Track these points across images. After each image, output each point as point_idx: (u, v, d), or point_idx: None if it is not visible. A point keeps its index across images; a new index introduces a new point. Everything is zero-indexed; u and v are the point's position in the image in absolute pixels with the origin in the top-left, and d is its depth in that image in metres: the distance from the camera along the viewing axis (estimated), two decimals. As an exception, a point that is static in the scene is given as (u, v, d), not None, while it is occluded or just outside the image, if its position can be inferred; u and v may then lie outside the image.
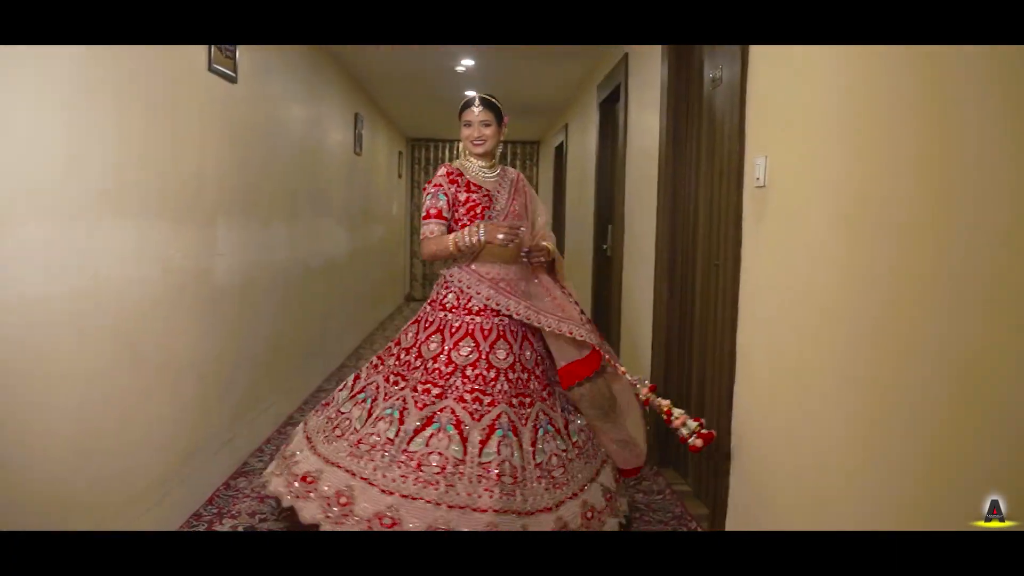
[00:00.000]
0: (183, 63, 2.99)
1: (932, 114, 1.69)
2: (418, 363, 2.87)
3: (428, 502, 2.54)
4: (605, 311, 5.51)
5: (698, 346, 3.43)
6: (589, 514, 2.77)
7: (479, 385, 2.78)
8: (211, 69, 3.23)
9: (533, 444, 2.76)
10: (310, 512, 2.63)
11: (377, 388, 2.92)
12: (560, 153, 8.48)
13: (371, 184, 7.92)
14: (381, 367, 2.99)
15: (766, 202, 2.50)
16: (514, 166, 8.52)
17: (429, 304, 3.03)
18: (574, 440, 2.90)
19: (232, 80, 3.48)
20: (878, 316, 1.85)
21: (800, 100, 2.31)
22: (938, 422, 1.65)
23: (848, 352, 1.98)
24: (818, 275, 2.13)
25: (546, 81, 6.42)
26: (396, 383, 2.87)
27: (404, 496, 2.56)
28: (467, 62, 5.97)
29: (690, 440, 2.74)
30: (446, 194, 2.97)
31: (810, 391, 2.18)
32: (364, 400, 2.92)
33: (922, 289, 1.70)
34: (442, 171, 3.01)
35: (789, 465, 2.30)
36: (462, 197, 2.98)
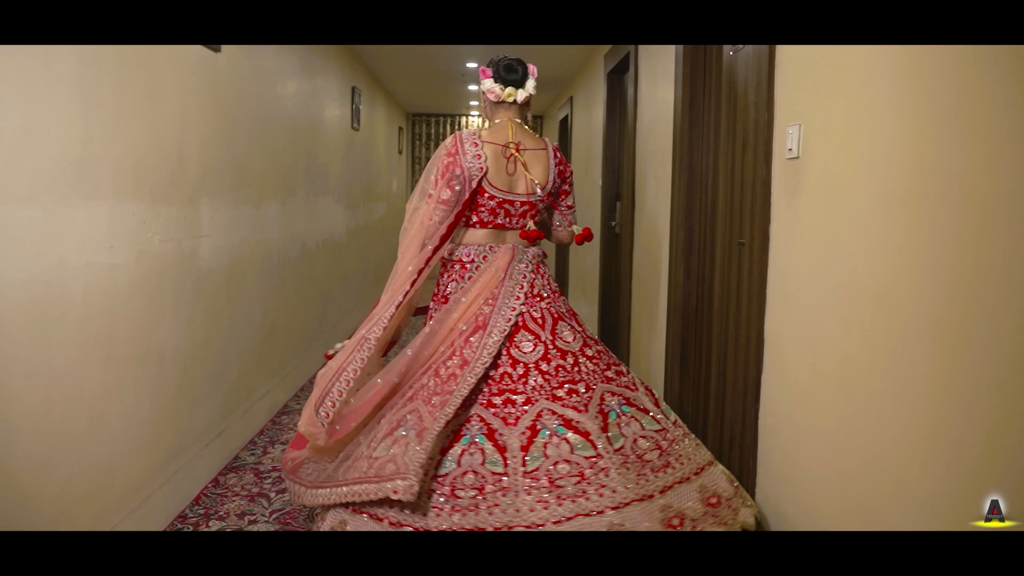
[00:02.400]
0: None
1: (1002, 73, 1.46)
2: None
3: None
4: (614, 292, 5.28)
5: (718, 332, 3.20)
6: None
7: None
8: (191, 36, 2.98)
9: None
10: None
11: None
12: (565, 127, 8.24)
13: (370, 161, 7.67)
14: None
15: (800, 175, 2.26)
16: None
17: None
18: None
19: (215, 49, 3.23)
20: (941, 305, 1.63)
21: (839, 60, 2.07)
22: (1013, 428, 1.44)
23: (905, 345, 1.75)
24: (868, 257, 1.90)
25: (550, 52, 6.16)
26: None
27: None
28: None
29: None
30: None
31: (857, 387, 1.95)
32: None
33: (994, 276, 1.49)
34: None
35: (830, 468, 2.08)
36: None
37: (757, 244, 2.54)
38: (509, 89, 2.71)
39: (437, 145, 11.03)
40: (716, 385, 3.19)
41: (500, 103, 2.75)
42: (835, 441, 2.05)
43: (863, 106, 1.96)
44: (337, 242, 6.03)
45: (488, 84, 2.73)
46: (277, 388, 4.37)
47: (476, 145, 2.64)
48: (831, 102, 2.13)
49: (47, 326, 2.10)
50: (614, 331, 5.23)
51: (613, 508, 2.16)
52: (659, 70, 3.96)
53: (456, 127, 10.98)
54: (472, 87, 8.19)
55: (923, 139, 1.70)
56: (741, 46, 2.92)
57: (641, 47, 4.45)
